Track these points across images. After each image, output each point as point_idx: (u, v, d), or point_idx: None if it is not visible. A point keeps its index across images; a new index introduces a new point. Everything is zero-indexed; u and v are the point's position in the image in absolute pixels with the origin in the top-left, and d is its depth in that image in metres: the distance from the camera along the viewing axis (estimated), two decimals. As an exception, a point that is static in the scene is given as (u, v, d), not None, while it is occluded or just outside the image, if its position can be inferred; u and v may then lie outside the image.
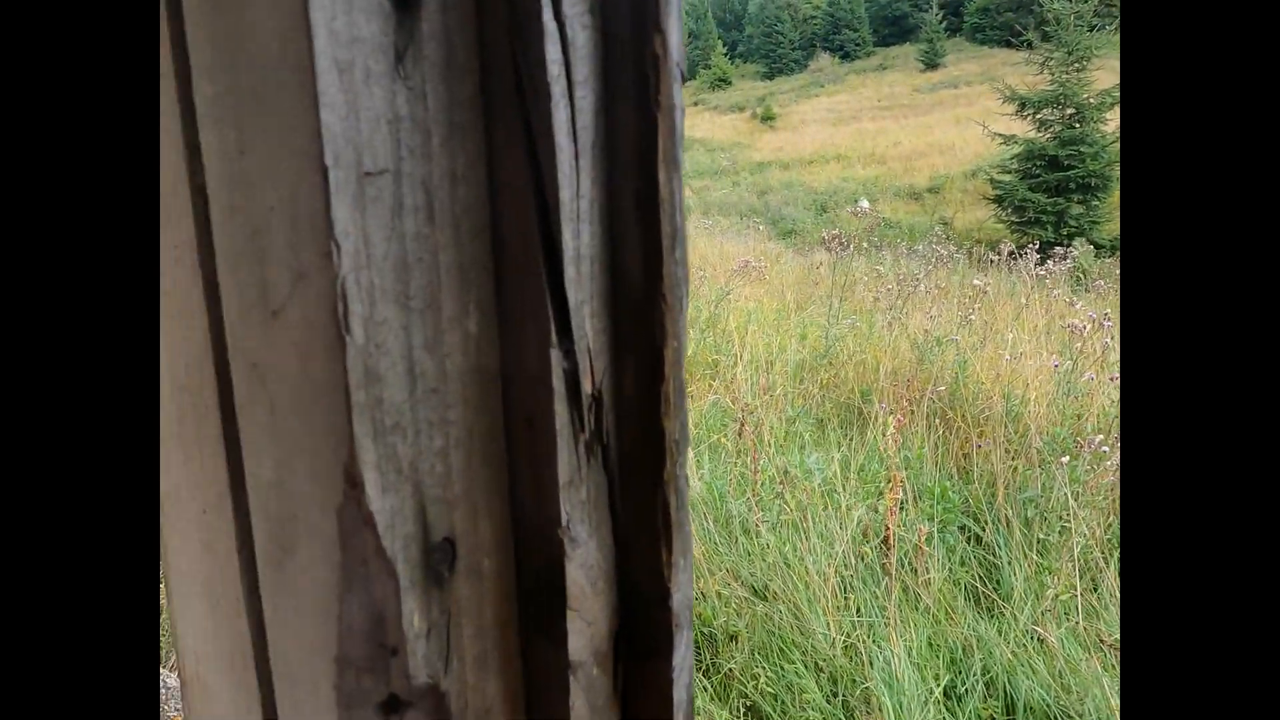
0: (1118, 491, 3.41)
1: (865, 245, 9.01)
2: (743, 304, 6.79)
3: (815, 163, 24.50)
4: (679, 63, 0.26)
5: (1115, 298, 8.01)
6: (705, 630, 2.73)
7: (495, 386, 0.26)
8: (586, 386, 0.26)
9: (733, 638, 2.75)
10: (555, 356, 0.25)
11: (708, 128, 34.46)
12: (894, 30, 51.60)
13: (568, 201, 0.25)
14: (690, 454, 3.64)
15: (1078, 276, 9.66)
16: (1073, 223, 12.75)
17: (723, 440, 4.01)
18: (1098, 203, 13.05)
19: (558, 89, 0.25)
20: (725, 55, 50.87)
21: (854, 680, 2.50)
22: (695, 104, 43.86)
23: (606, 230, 0.27)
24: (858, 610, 2.80)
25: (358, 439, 0.22)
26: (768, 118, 33.30)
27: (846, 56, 48.67)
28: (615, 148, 0.27)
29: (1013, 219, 13.52)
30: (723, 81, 47.67)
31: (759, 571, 3.01)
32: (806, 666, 2.58)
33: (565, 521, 0.26)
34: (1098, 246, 12.04)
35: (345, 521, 0.23)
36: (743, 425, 3.66)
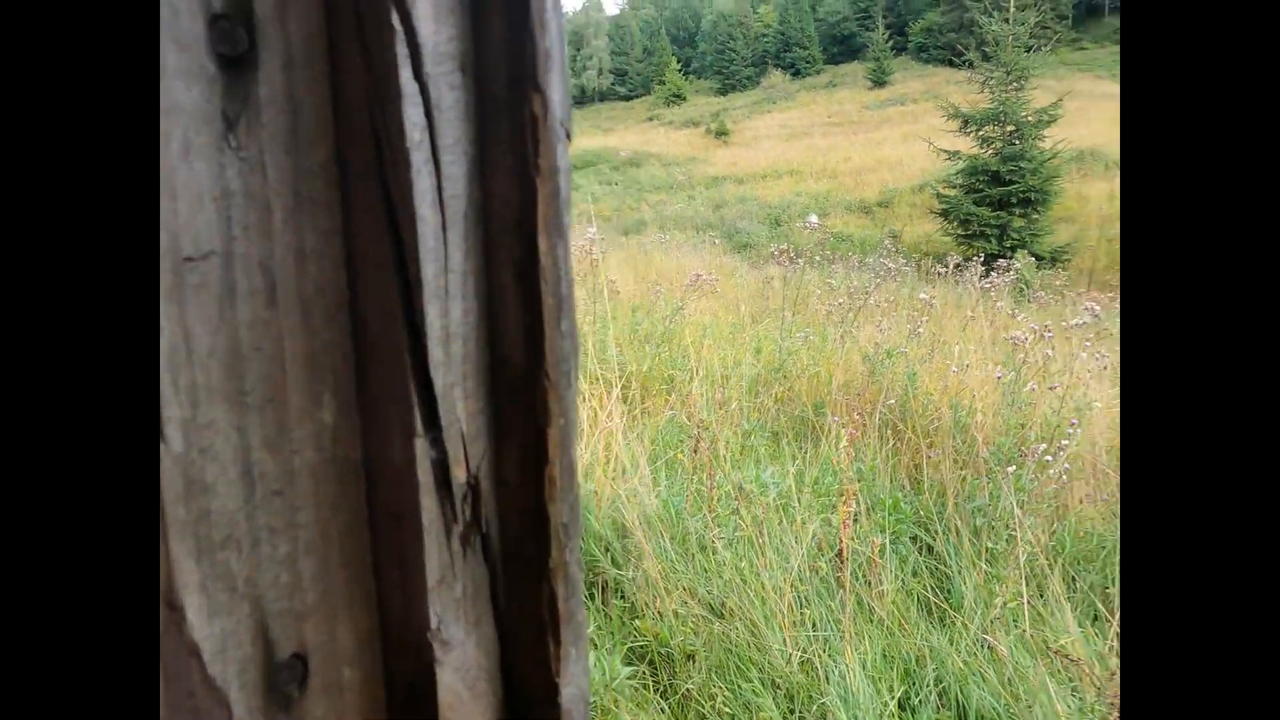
0: (1061, 499, 3.50)
1: (818, 259, 9.17)
2: (698, 318, 6.84)
3: (769, 177, 24.95)
4: (563, 121, 0.25)
5: (1056, 309, 8.28)
6: (663, 650, 2.70)
7: (357, 481, 0.24)
8: (459, 475, 0.24)
9: (690, 657, 2.74)
10: (420, 446, 0.23)
11: (663, 143, 34.85)
12: (843, 49, 53.08)
13: (432, 278, 0.23)
14: (647, 471, 3.62)
15: (1020, 288, 9.99)
16: (1015, 235, 13.20)
17: (679, 456, 4.01)
18: (1038, 216, 13.54)
19: (419, 156, 0.23)
20: (680, 71, 51.61)
21: (810, 696, 2.50)
22: (651, 119, 44.34)
23: (483, 305, 0.25)
24: (813, 625, 2.81)
25: (175, 560, 0.20)
26: (722, 133, 33.85)
27: (797, 74, 49.86)
28: (491, 216, 0.25)
29: (958, 232, 13.93)
30: (677, 97, 48.35)
31: (716, 588, 3.00)
32: (764, 684, 2.58)
33: (436, 624, 0.24)
34: (1039, 258, 12.48)
35: (165, 651, 0.20)
36: (698, 441, 3.66)
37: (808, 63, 51.21)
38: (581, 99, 58.11)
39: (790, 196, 21.73)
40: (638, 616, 2.93)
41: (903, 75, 41.12)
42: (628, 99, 56.93)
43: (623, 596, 2.98)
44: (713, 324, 6.65)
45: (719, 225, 18.74)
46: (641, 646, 2.75)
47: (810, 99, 41.10)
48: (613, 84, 59.40)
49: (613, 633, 2.81)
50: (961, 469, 3.66)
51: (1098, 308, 3.60)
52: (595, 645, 2.75)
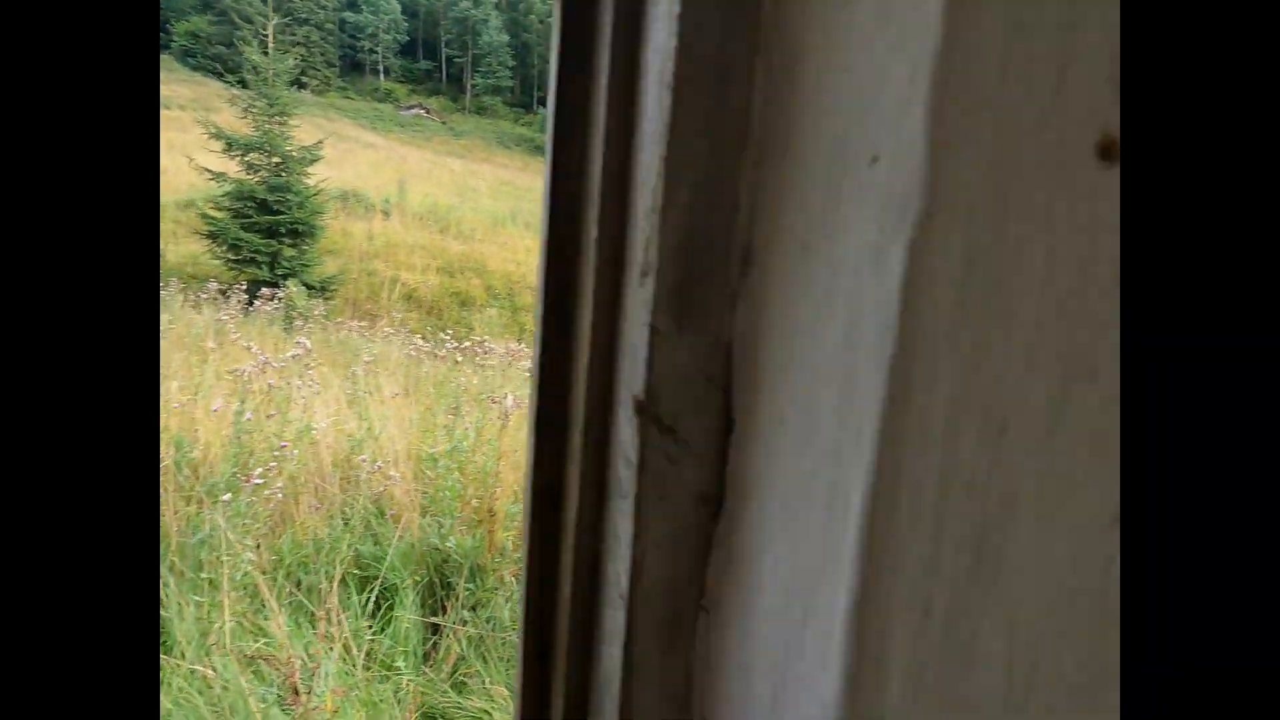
0: (285, 514, 3.85)
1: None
2: None
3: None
4: None
5: (320, 335, 8.94)
6: None
7: None
8: None
9: None
10: None
11: None
12: (86, 24, 44.41)
13: None
14: None
15: (290, 316, 10.37)
16: (286, 264, 13.64)
17: None
18: (307, 247, 14.33)
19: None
20: None
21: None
22: None
23: None
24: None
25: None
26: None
27: (17, 37, 39.26)
28: None
29: (229, 256, 13.54)
30: None
31: None
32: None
33: None
34: (309, 287, 13.24)
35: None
36: None
37: (33, 28, 41.01)
38: None
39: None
40: None
41: (169, 77, 37.14)
42: None
43: None
44: None
45: None
46: None
47: (39, 74, 32.98)
48: None
49: None
50: (188, 505, 3.62)
51: (308, 342, 4.10)
52: None
